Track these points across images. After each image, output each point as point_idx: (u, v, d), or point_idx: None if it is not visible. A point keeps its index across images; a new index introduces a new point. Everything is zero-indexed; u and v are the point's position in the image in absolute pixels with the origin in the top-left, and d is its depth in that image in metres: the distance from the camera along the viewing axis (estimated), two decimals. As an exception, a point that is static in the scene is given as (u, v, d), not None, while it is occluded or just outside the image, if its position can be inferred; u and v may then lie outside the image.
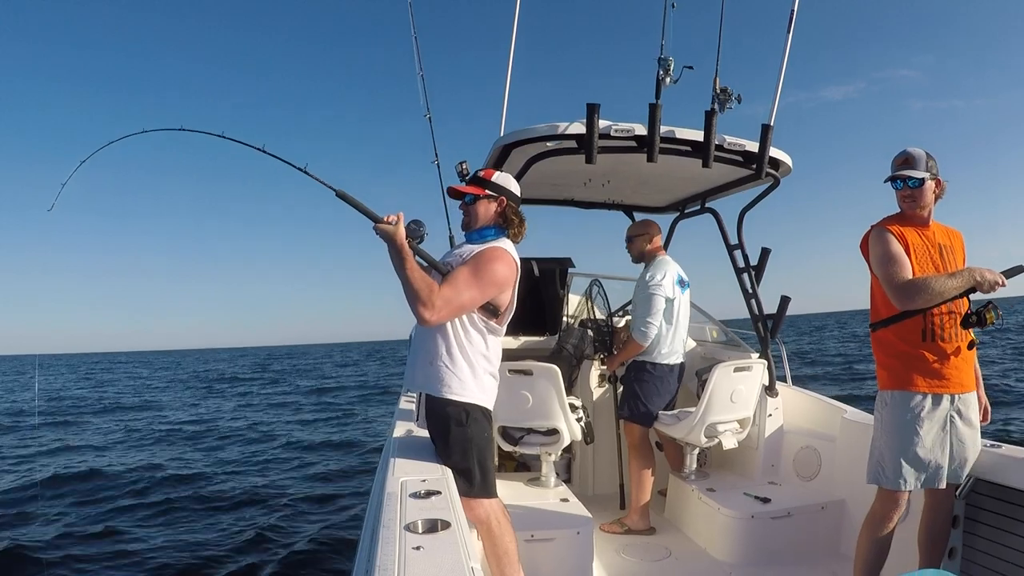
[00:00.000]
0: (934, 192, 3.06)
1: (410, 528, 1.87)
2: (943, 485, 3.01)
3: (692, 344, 5.40)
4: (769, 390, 4.75)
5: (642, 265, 4.75)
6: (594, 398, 5.27)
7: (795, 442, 4.63)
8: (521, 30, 4.30)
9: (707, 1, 4.09)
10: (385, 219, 2.72)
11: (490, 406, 2.96)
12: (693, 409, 4.42)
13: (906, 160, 3.03)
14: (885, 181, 3.08)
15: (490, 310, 2.88)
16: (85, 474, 10.94)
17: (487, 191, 2.99)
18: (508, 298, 2.92)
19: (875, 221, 3.15)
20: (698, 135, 3.87)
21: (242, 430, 16.42)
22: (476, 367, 2.89)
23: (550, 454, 4.29)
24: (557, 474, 4.42)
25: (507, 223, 3.02)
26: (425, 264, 2.86)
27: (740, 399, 4.50)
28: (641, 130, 3.77)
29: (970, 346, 2.98)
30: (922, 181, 2.99)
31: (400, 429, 3.50)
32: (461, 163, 4.76)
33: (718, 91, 3.91)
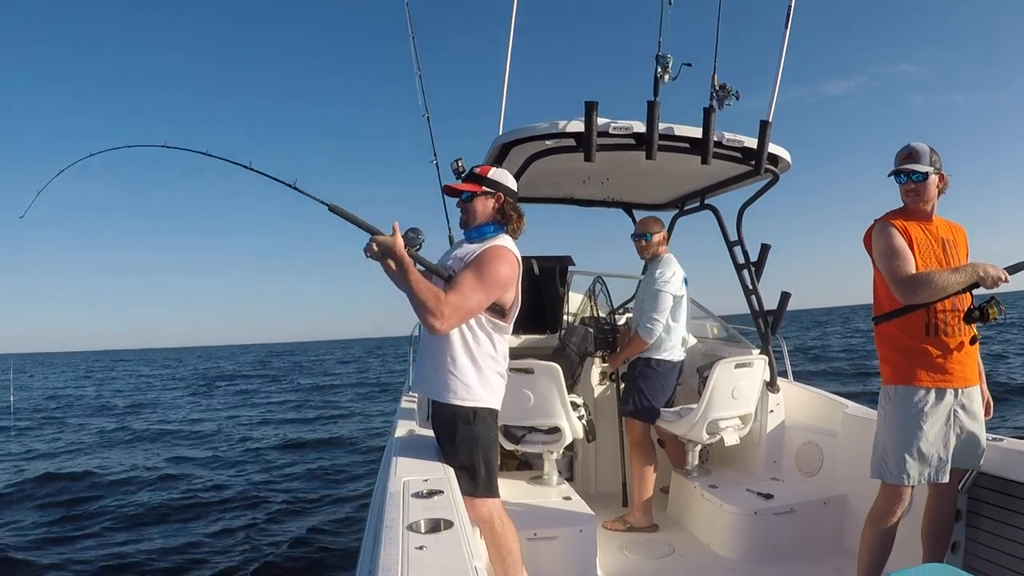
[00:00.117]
0: (937, 187, 3.06)
1: (413, 528, 1.87)
2: (946, 479, 3.01)
3: (693, 341, 5.40)
4: (770, 386, 4.76)
5: (640, 262, 4.74)
6: (595, 396, 5.27)
7: (797, 438, 4.63)
8: (518, 27, 4.30)
9: (705, -2, 4.19)
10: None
11: (497, 407, 2.96)
12: (695, 406, 4.42)
13: (910, 154, 3.03)
14: (889, 175, 3.08)
15: (497, 310, 2.87)
16: (78, 475, 10.94)
17: (484, 188, 2.97)
18: (513, 295, 2.91)
19: (877, 215, 3.15)
20: (697, 132, 3.87)
21: (241, 429, 16.42)
22: (484, 369, 2.88)
23: (552, 452, 4.29)
24: (559, 472, 4.42)
25: (506, 219, 3.00)
26: (425, 271, 2.84)
27: (741, 395, 4.50)
28: (640, 127, 3.77)
29: (972, 341, 2.99)
30: (926, 175, 2.99)
31: (402, 428, 3.50)
32: (456, 160, 4.75)
33: (716, 88, 3.91)
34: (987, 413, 3.17)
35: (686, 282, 4.65)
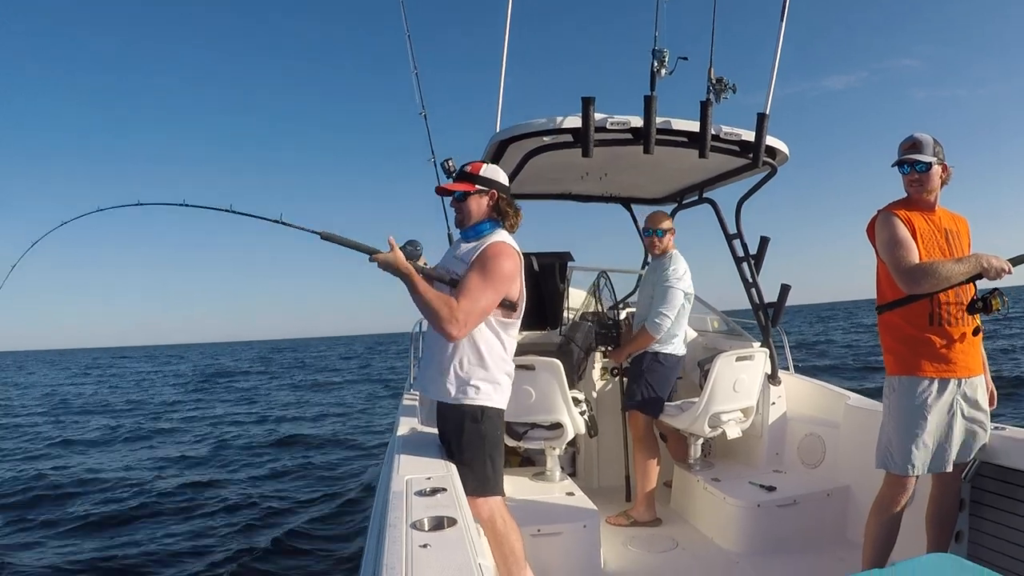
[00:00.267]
0: (940, 177, 3.06)
1: (416, 526, 1.87)
2: (950, 469, 3.02)
3: (693, 335, 5.40)
4: (772, 378, 4.76)
5: (639, 256, 4.73)
6: (596, 391, 5.27)
7: (799, 430, 4.63)
8: (515, 21, 4.29)
9: (701, -8, 4.25)
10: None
11: (504, 406, 2.97)
12: (696, 400, 4.43)
13: (913, 145, 3.03)
14: (892, 165, 3.08)
15: (506, 305, 2.88)
16: (74, 473, 10.94)
17: (477, 186, 2.96)
18: (519, 288, 2.92)
19: (879, 207, 3.15)
20: (694, 126, 3.87)
21: (240, 427, 16.41)
22: (492, 369, 2.89)
23: (554, 448, 4.29)
24: (562, 468, 4.42)
25: (501, 215, 2.99)
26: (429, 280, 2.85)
27: (743, 388, 4.50)
28: (637, 122, 3.77)
29: (975, 332, 2.99)
30: (929, 165, 2.99)
31: (404, 427, 3.50)
32: (447, 160, 4.75)
33: (713, 81, 3.91)
34: (991, 403, 3.18)
35: None
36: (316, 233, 2.78)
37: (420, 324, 5.46)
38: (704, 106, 3.84)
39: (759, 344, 4.82)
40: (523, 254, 2.96)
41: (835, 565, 3.68)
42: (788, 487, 4.17)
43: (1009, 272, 2.83)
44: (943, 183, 3.09)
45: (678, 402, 4.59)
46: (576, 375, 4.90)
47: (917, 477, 3.01)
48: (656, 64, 3.77)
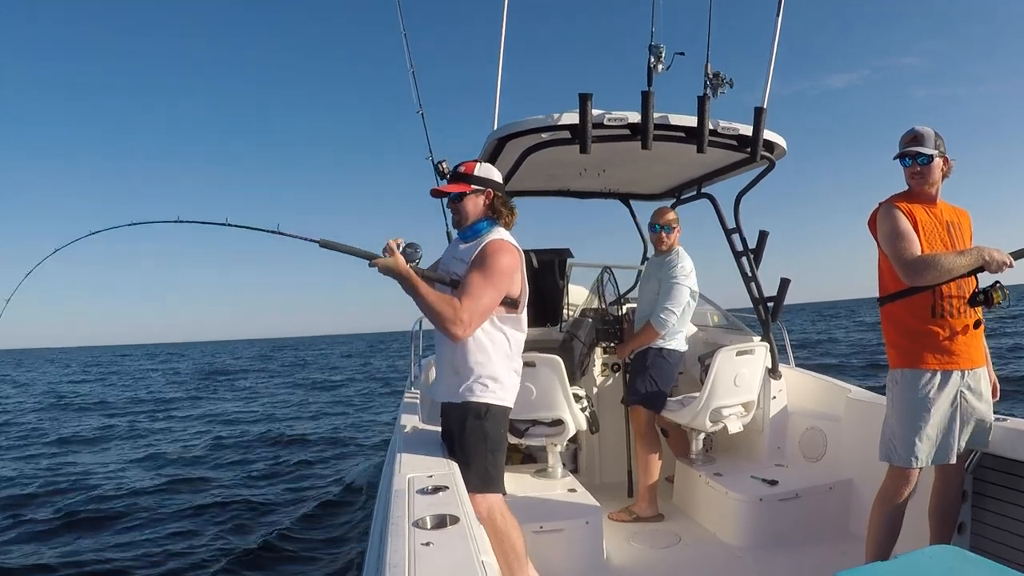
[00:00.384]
0: (942, 170, 3.07)
1: (419, 524, 1.87)
2: (954, 461, 3.03)
3: (693, 329, 5.40)
4: (772, 372, 4.76)
5: (637, 252, 4.73)
6: (596, 387, 5.27)
7: (800, 423, 4.63)
8: (511, 20, 4.29)
9: (697, -13, 4.19)
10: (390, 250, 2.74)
11: (510, 404, 2.98)
12: (697, 394, 4.43)
13: (915, 138, 3.04)
14: (894, 158, 3.09)
15: (508, 301, 2.89)
16: (72, 473, 10.89)
17: (473, 186, 2.98)
18: (520, 283, 2.93)
19: (880, 201, 3.16)
20: (692, 121, 3.87)
21: (241, 425, 16.39)
22: (498, 368, 2.90)
23: (556, 445, 4.29)
24: (563, 464, 4.43)
25: (497, 214, 3.01)
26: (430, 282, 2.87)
27: (743, 383, 4.50)
28: (635, 118, 3.77)
29: (976, 325, 3.00)
30: (931, 158, 3.00)
31: (406, 425, 3.50)
32: (440, 162, 4.77)
33: (710, 76, 3.90)
34: (994, 395, 3.18)
35: None
36: (315, 241, 2.79)
37: (420, 322, 5.47)
38: (701, 101, 3.83)
39: (759, 338, 4.82)
40: (523, 251, 2.97)
41: (838, 558, 3.68)
42: (790, 481, 4.17)
43: (1011, 265, 2.83)
44: (944, 176, 3.10)
45: (679, 397, 4.60)
46: (579, 371, 4.91)
47: (920, 469, 3.02)
48: (653, 60, 3.77)
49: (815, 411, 4.61)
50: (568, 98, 3.71)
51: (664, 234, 4.62)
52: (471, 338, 2.84)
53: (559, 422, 4.16)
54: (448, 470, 2.54)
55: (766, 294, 4.72)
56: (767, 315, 4.72)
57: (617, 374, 5.25)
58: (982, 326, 3.04)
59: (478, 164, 3.04)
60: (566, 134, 3.79)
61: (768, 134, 4.10)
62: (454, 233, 3.20)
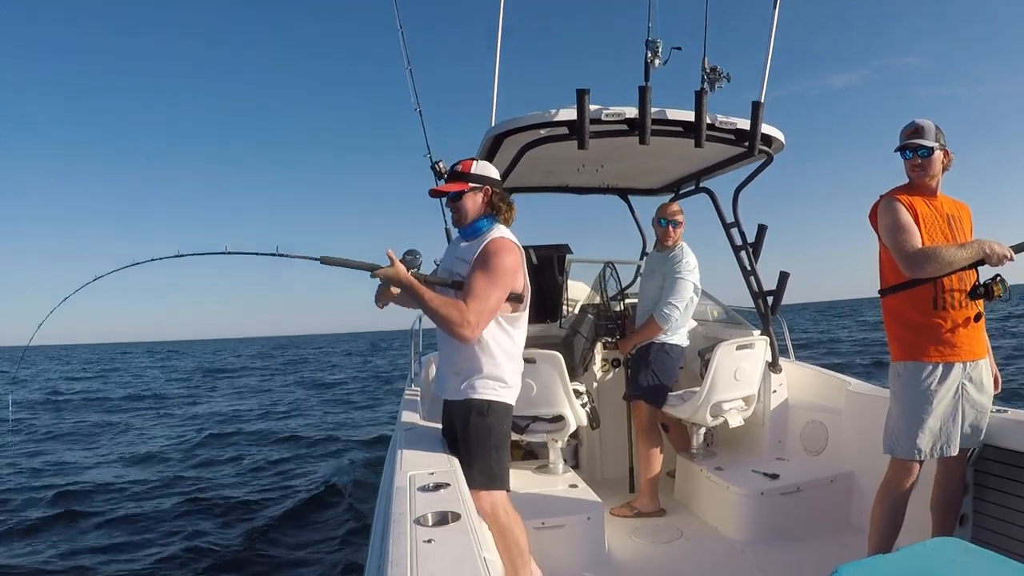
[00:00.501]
0: (942, 163, 3.08)
1: (420, 521, 1.87)
2: (956, 452, 3.03)
3: (693, 324, 5.40)
4: (772, 366, 4.76)
5: (636, 247, 4.72)
6: (596, 382, 5.27)
7: (801, 417, 4.63)
8: (507, 18, 4.28)
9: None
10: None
11: (512, 402, 2.99)
12: (698, 389, 4.43)
13: (916, 130, 3.04)
14: (895, 151, 3.09)
15: (512, 298, 2.90)
16: (70, 473, 10.82)
17: (471, 184, 2.98)
18: (522, 280, 2.94)
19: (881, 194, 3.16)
20: (689, 115, 3.87)
21: (240, 424, 16.35)
22: (502, 366, 2.91)
23: (557, 441, 4.29)
24: (565, 460, 4.43)
25: (496, 210, 3.01)
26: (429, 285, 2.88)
27: (744, 377, 4.50)
28: (632, 113, 3.76)
29: (976, 318, 3.00)
30: (931, 150, 3.01)
31: (406, 422, 3.50)
32: (437, 162, 4.77)
33: (707, 70, 3.90)
34: (996, 387, 3.19)
35: None
36: (315, 259, 2.80)
37: (419, 320, 5.47)
38: (699, 95, 3.83)
39: (759, 332, 4.82)
40: (522, 247, 2.97)
41: (840, 551, 3.68)
42: (791, 474, 4.17)
43: (1011, 259, 2.84)
44: (944, 169, 3.11)
45: (680, 392, 4.60)
46: (582, 367, 4.90)
47: (922, 462, 3.02)
48: (650, 55, 3.76)
49: (816, 404, 4.62)
50: (567, 97, 3.71)
51: (671, 228, 4.62)
52: (477, 341, 2.85)
53: (560, 418, 4.16)
54: (449, 467, 2.54)
55: (765, 288, 4.72)
56: (767, 309, 4.72)
57: (617, 369, 5.25)
58: (983, 319, 3.04)
59: (475, 162, 3.04)
60: (564, 130, 3.79)
61: (766, 128, 4.09)
62: (454, 232, 3.20)
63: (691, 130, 3.88)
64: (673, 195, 5.60)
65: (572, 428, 4.20)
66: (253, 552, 6.61)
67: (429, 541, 1.73)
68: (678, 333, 4.58)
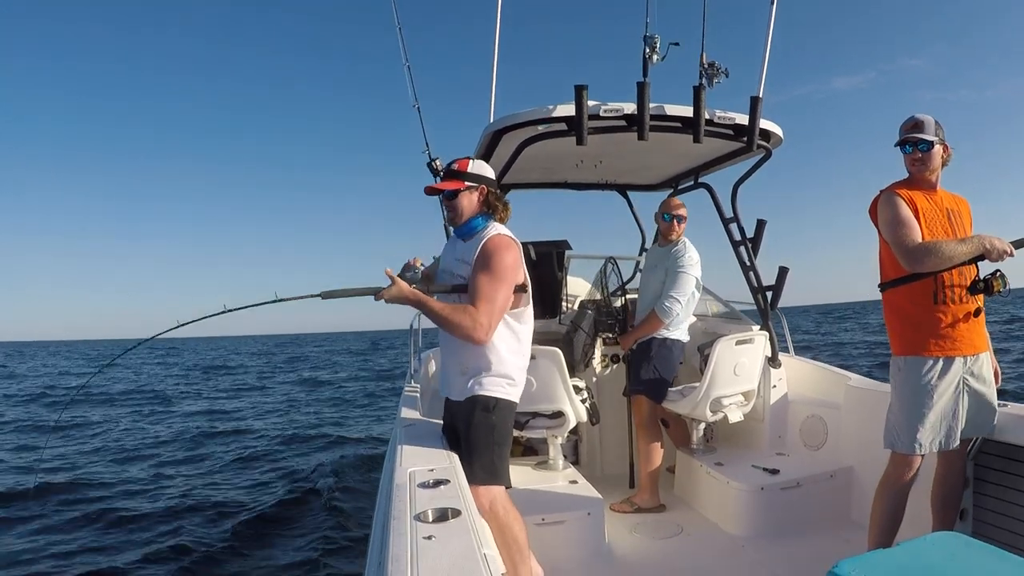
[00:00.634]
0: (942, 157, 3.08)
1: (420, 518, 1.87)
2: (956, 445, 3.04)
3: (693, 319, 5.40)
4: (772, 361, 4.76)
5: (635, 243, 4.71)
6: (596, 378, 5.27)
7: (801, 412, 4.64)
8: (505, 16, 4.28)
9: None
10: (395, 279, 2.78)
11: (516, 399, 3.00)
12: (697, 384, 4.43)
13: (916, 125, 3.05)
14: (895, 145, 3.10)
15: (517, 288, 2.91)
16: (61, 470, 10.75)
17: (467, 183, 2.99)
18: (523, 275, 2.95)
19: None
20: (688, 111, 3.86)
21: (240, 422, 16.32)
22: (509, 363, 2.93)
23: (556, 437, 4.29)
24: (564, 456, 4.43)
25: (492, 209, 3.03)
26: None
27: (743, 372, 4.50)
28: (630, 109, 3.76)
29: (976, 313, 3.00)
30: (931, 145, 3.01)
31: (406, 419, 3.50)
32: (434, 160, 4.77)
33: (705, 66, 3.89)
34: (996, 380, 3.19)
35: None
36: (316, 296, 2.83)
37: (418, 318, 5.47)
38: (697, 91, 3.82)
39: (758, 327, 4.82)
40: (521, 243, 2.98)
41: (840, 546, 3.69)
42: (791, 469, 4.17)
43: (1011, 254, 2.84)
44: (944, 163, 3.11)
45: (679, 387, 4.59)
46: (583, 363, 4.90)
47: (923, 456, 3.03)
48: (648, 50, 3.76)
49: (815, 399, 4.62)
50: (566, 96, 3.71)
51: (676, 223, 4.62)
52: None
53: (560, 414, 4.16)
54: (449, 463, 2.54)
55: (765, 284, 4.72)
56: (766, 304, 4.72)
57: (617, 365, 5.25)
58: (983, 314, 3.05)
59: (471, 161, 3.06)
60: (562, 126, 3.79)
61: (764, 123, 4.09)
62: (452, 229, 3.21)
63: (689, 125, 3.88)
64: (672, 191, 5.60)
65: (572, 424, 4.20)
66: (238, 551, 6.61)
67: (429, 537, 1.73)
68: (679, 328, 4.58)
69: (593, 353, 5.14)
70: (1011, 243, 2.84)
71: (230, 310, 2.88)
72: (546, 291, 5.36)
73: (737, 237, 4.76)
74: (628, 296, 5.10)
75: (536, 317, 3.07)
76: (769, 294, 4.70)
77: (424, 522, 1.85)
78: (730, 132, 4.10)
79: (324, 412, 17.91)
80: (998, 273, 2.90)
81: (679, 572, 3.65)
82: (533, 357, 3.97)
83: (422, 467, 2.45)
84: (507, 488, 2.95)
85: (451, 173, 3.03)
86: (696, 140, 3.88)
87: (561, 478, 4.15)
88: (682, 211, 4.63)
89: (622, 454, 5.04)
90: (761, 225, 4.70)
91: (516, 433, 4.26)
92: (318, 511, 7.92)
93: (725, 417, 4.50)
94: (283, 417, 17.07)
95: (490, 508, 2.83)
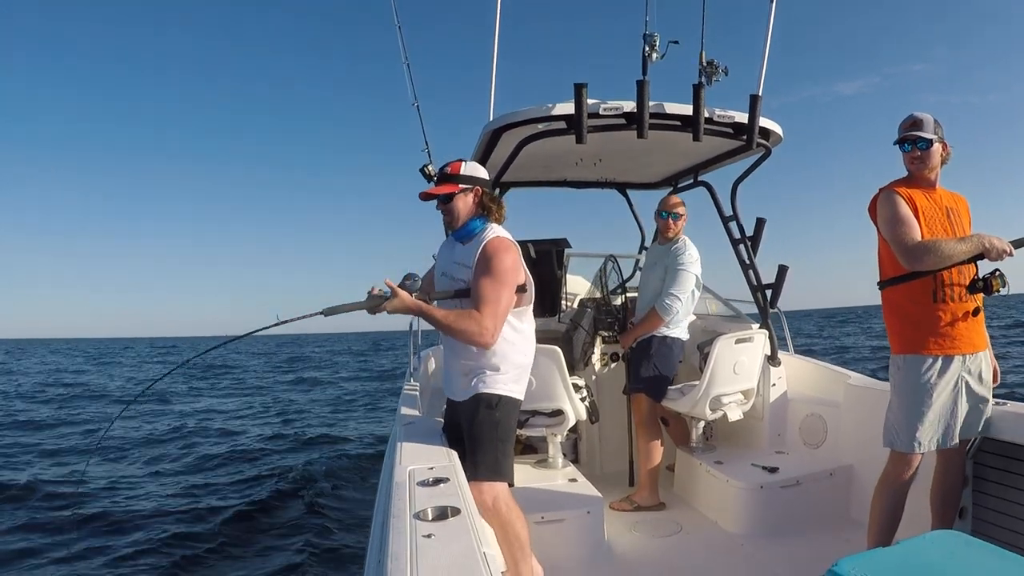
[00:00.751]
0: (941, 155, 3.08)
1: (420, 516, 1.87)
2: (956, 443, 3.04)
3: (692, 317, 5.40)
4: (771, 360, 4.76)
5: (635, 241, 4.71)
6: (596, 377, 5.27)
7: (800, 410, 4.64)
8: (504, 15, 4.27)
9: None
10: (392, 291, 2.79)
11: (521, 397, 3.01)
12: (697, 383, 4.43)
13: (915, 123, 3.04)
14: (894, 144, 3.10)
15: (517, 288, 2.92)
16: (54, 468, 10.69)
17: (461, 185, 2.99)
18: (523, 275, 2.96)
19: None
20: (687, 109, 3.86)
21: (240, 422, 16.32)
22: (512, 361, 2.94)
23: (556, 435, 4.29)
24: (564, 455, 4.42)
25: (487, 210, 3.03)
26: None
27: (743, 370, 4.50)
28: (630, 107, 3.75)
29: (975, 312, 3.00)
30: (930, 143, 3.01)
31: (405, 417, 3.50)
32: (425, 166, 4.77)
33: (704, 64, 3.89)
34: (995, 379, 3.19)
35: None
36: (319, 314, 2.82)
37: (418, 319, 5.47)
38: (696, 89, 3.82)
39: (758, 326, 4.82)
40: (520, 242, 2.98)
41: (839, 545, 3.69)
42: (791, 468, 4.17)
43: (1011, 254, 2.85)
44: (943, 162, 3.11)
45: (679, 385, 4.59)
46: (582, 361, 4.90)
47: (922, 455, 3.03)
48: (647, 48, 3.76)
49: (815, 397, 4.62)
50: (565, 93, 3.71)
51: (672, 221, 4.61)
52: None
53: (559, 412, 4.16)
54: (449, 461, 2.54)
55: (764, 282, 4.72)
56: (766, 302, 4.72)
57: (616, 364, 5.24)
58: (982, 313, 3.05)
59: (463, 163, 3.05)
60: (562, 124, 3.78)
61: (764, 121, 4.09)
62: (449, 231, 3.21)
63: (689, 124, 3.87)
64: (671, 189, 5.60)
65: (571, 422, 4.19)
66: (231, 552, 6.61)
67: (429, 536, 1.73)
68: (679, 326, 4.58)
69: (593, 351, 5.14)
70: (1010, 242, 2.85)
71: (236, 338, 3.03)
72: (546, 289, 5.36)
73: (737, 235, 4.76)
74: (628, 294, 5.10)
75: (535, 315, 3.08)
76: (769, 292, 4.70)
77: (424, 520, 1.85)
78: (730, 130, 4.10)
79: (324, 412, 17.90)
80: (997, 272, 2.90)
81: (678, 570, 3.65)
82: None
83: (422, 465, 2.45)
84: (511, 485, 2.95)
85: (445, 177, 3.03)
86: (696, 138, 3.88)
87: (560, 476, 4.15)
88: (679, 209, 4.63)
89: (622, 452, 5.03)
90: (760, 223, 4.70)
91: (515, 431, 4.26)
92: (318, 511, 7.90)
93: (725, 415, 4.50)
94: (281, 417, 17.05)
95: (493, 505, 2.83)
